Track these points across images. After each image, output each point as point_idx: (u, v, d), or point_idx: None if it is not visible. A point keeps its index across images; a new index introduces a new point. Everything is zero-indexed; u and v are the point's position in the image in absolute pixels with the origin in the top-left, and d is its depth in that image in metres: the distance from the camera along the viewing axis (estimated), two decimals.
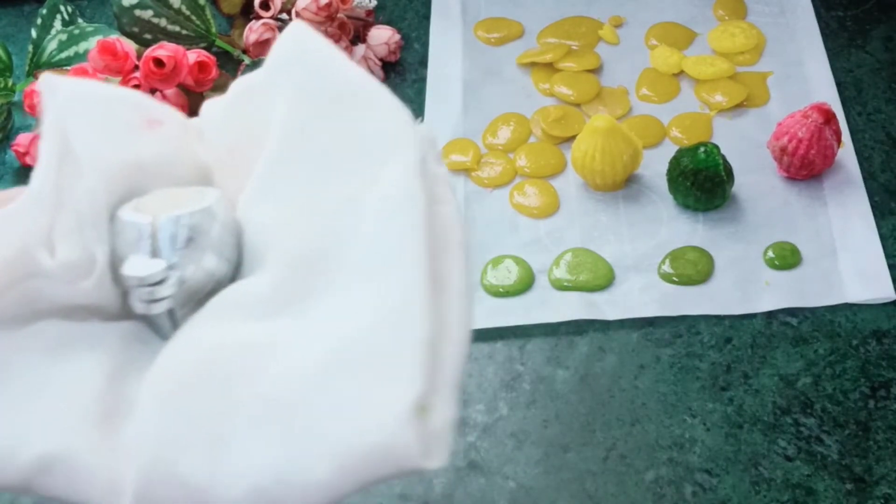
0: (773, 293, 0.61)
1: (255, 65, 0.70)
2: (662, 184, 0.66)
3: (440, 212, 0.33)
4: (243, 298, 0.34)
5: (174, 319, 0.34)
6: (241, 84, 0.38)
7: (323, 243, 0.33)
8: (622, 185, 0.67)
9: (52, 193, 0.34)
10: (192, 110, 0.70)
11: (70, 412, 0.32)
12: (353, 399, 0.30)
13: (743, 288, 0.61)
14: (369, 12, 0.76)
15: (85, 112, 0.36)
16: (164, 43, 0.67)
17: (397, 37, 0.74)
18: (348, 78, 0.36)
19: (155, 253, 0.34)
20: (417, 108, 0.72)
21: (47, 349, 0.34)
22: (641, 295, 0.61)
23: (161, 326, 0.35)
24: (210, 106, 0.39)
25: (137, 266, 0.34)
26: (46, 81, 0.36)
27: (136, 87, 0.67)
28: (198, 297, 0.35)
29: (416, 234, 0.32)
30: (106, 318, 0.35)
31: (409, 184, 0.33)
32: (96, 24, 0.75)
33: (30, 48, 0.74)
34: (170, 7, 0.71)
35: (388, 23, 0.77)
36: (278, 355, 0.32)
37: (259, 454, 0.30)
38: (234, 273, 0.36)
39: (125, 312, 0.35)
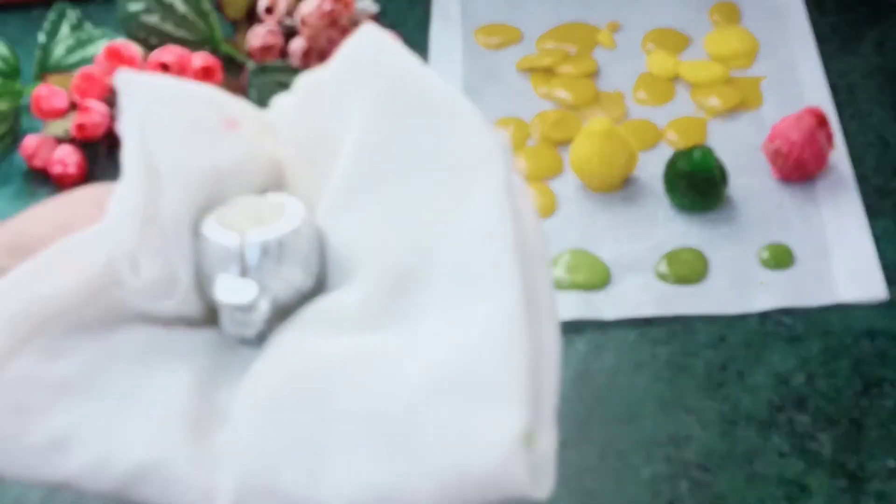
0: (767, 293, 0.61)
1: (260, 69, 0.71)
2: (659, 186, 0.66)
3: (524, 226, 0.33)
4: (335, 312, 0.33)
5: (262, 329, 0.34)
6: (310, 80, 0.37)
7: (414, 259, 0.33)
8: (619, 187, 0.67)
9: (139, 210, 0.33)
10: None
11: (163, 420, 0.32)
12: (460, 422, 0.29)
13: (738, 288, 0.61)
14: (373, 17, 0.77)
15: (164, 117, 0.35)
16: (170, 47, 0.68)
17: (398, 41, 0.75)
18: (430, 87, 0.35)
19: (244, 272, 0.33)
20: None
21: (138, 356, 0.33)
22: (638, 295, 0.62)
23: (253, 337, 0.34)
24: (281, 101, 0.38)
25: (230, 291, 0.33)
26: (123, 79, 0.35)
27: None
28: (286, 311, 0.34)
29: (512, 255, 0.31)
30: (192, 325, 0.35)
31: (500, 201, 0.32)
32: (103, 29, 0.75)
33: (37, 52, 0.74)
34: (175, 12, 0.71)
35: (389, 27, 0.77)
36: (377, 371, 0.31)
37: (360, 470, 0.30)
38: (318, 285, 0.35)
39: (210, 320, 0.35)
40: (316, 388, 0.31)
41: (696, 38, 0.75)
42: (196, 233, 0.34)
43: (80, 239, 0.34)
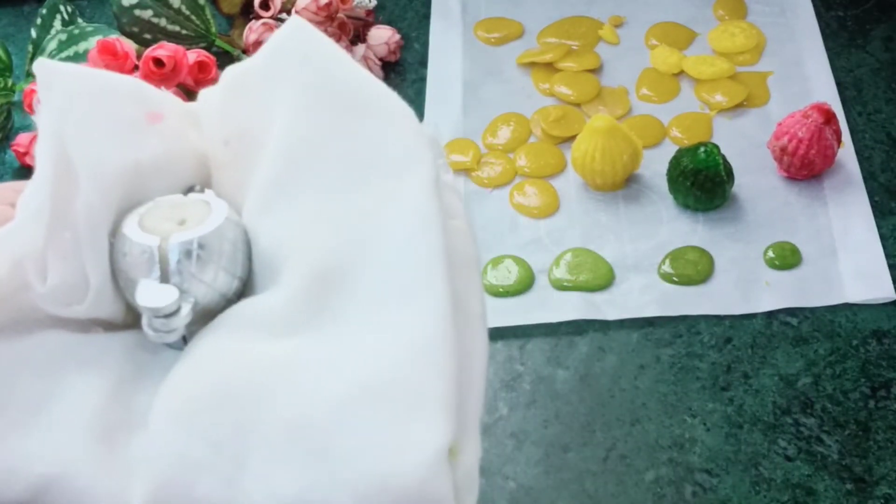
0: (773, 293, 0.61)
1: None
2: (662, 184, 0.66)
3: (453, 227, 0.32)
4: (259, 314, 0.33)
5: (185, 333, 0.33)
6: (235, 72, 0.37)
7: (340, 259, 0.32)
8: (622, 185, 0.67)
9: (48, 211, 0.32)
10: None
11: (72, 428, 0.31)
12: (382, 434, 0.29)
13: (743, 288, 0.61)
14: (369, 12, 0.76)
15: (83, 111, 0.34)
16: (164, 43, 0.67)
17: (397, 37, 0.74)
18: (358, 83, 0.34)
19: (165, 276, 0.33)
20: (417, 108, 0.72)
21: (48, 363, 0.33)
22: (641, 295, 0.61)
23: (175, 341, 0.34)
24: (207, 94, 0.38)
25: (150, 295, 0.32)
26: (43, 68, 0.34)
27: None
28: (208, 315, 0.34)
29: (439, 258, 0.31)
30: (110, 328, 0.34)
31: (427, 201, 0.32)
32: (96, 24, 0.75)
33: (29, 48, 0.74)
34: (169, 7, 0.71)
35: (388, 23, 0.77)
36: (299, 377, 0.31)
37: (280, 480, 0.29)
38: (244, 287, 0.35)
39: (130, 322, 0.34)
40: (235, 394, 0.31)
41: (701, 34, 0.75)
42: (116, 233, 0.34)
43: None
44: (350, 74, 0.34)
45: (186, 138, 0.36)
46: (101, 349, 0.33)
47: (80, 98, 0.34)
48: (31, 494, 0.31)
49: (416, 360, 0.30)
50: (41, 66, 0.35)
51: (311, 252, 0.33)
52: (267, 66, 0.36)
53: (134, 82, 0.36)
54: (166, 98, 0.37)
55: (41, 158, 0.33)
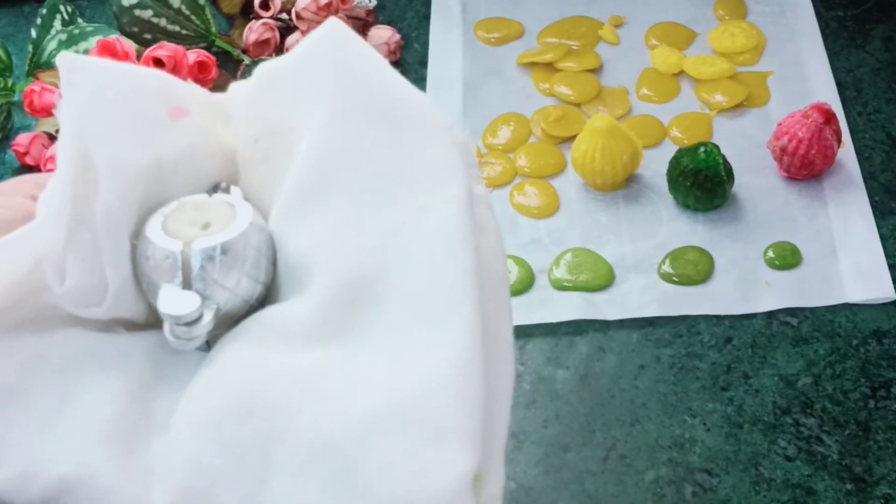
0: (773, 293, 0.61)
1: (256, 65, 0.70)
2: (662, 184, 0.66)
3: (484, 244, 0.32)
4: (285, 323, 0.32)
5: (208, 337, 0.33)
6: (268, 69, 0.36)
7: (371, 271, 0.31)
8: (622, 185, 0.66)
9: (69, 210, 0.32)
10: None
11: (91, 430, 0.31)
12: (407, 459, 0.29)
13: (743, 288, 0.61)
14: (369, 12, 0.76)
15: (104, 107, 0.33)
16: (164, 43, 0.67)
17: (397, 37, 0.74)
18: (396, 92, 0.33)
19: (187, 282, 0.32)
20: None
21: (68, 363, 0.32)
22: (641, 295, 0.61)
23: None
24: (237, 88, 0.37)
25: (172, 302, 0.32)
26: (66, 62, 0.33)
27: None
28: (231, 320, 0.33)
29: (469, 279, 0.30)
30: (132, 328, 0.34)
31: (460, 218, 0.31)
32: (96, 24, 0.75)
33: (29, 48, 0.74)
34: (169, 7, 0.71)
35: (388, 23, 0.77)
36: (324, 393, 0.30)
37: (301, 497, 0.29)
38: (268, 292, 0.34)
39: (153, 321, 0.34)
40: (260, 406, 0.30)
41: (701, 34, 0.75)
42: (139, 234, 0.33)
43: (9, 241, 0.32)
44: (387, 82, 0.34)
45: (213, 134, 0.35)
46: (123, 350, 0.33)
47: (102, 93, 0.33)
48: (50, 496, 0.31)
49: (444, 385, 0.29)
50: (64, 59, 0.34)
51: (340, 262, 0.32)
52: (301, 66, 0.35)
53: (159, 76, 0.35)
54: (193, 91, 0.36)
55: (62, 156, 0.33)
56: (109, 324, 0.33)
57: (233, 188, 0.35)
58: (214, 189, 0.35)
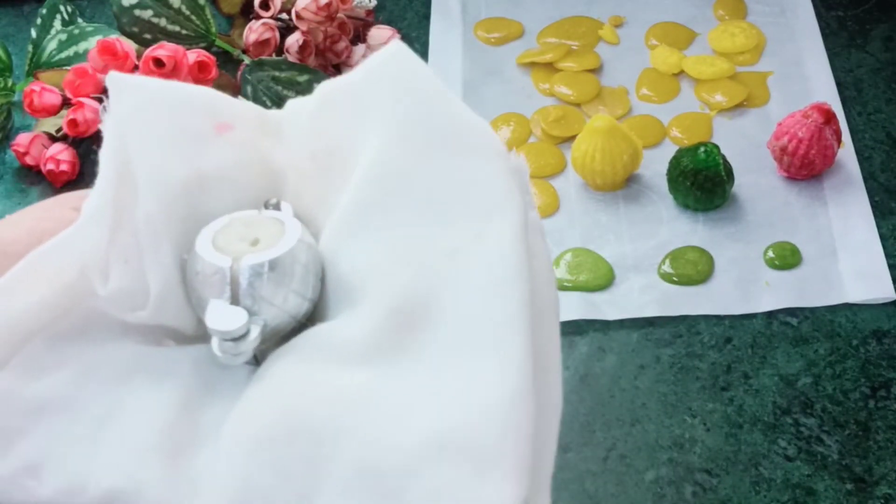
0: (773, 293, 0.61)
1: (256, 65, 0.70)
2: (662, 184, 0.66)
3: (536, 269, 0.31)
4: (336, 342, 0.32)
5: (256, 352, 0.33)
6: (331, 87, 0.36)
7: (424, 295, 0.31)
8: (622, 185, 0.66)
9: (110, 213, 0.32)
10: None
11: (140, 442, 0.31)
12: (455, 487, 0.28)
13: (743, 288, 0.61)
14: (369, 12, 0.76)
15: (149, 121, 0.34)
16: (164, 43, 0.67)
17: (397, 37, 0.74)
18: (454, 116, 0.33)
19: (235, 298, 0.32)
20: None
21: (119, 374, 0.32)
22: (641, 295, 0.61)
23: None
24: (295, 103, 0.37)
25: (220, 318, 0.32)
26: (114, 80, 0.34)
27: None
28: (279, 336, 0.33)
29: (523, 308, 0.30)
30: (181, 341, 0.34)
31: (515, 247, 0.31)
32: (96, 24, 0.75)
33: (29, 48, 0.74)
34: (169, 7, 0.71)
35: (388, 23, 0.77)
36: (374, 416, 0.30)
37: None
38: (316, 309, 0.34)
39: (202, 334, 0.34)
40: (309, 426, 0.30)
41: (701, 34, 0.75)
42: (190, 250, 0.33)
43: (54, 245, 0.33)
44: (448, 106, 0.34)
45: (259, 150, 0.36)
46: (172, 362, 0.33)
47: (146, 107, 0.34)
48: None
49: (494, 415, 0.29)
50: (113, 78, 0.34)
51: (393, 283, 0.32)
52: (364, 87, 0.35)
53: (204, 92, 0.36)
54: (239, 107, 0.36)
55: (104, 163, 0.33)
56: (158, 336, 0.33)
57: (283, 205, 0.35)
58: (265, 206, 0.35)
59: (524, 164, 0.33)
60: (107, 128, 0.34)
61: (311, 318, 0.34)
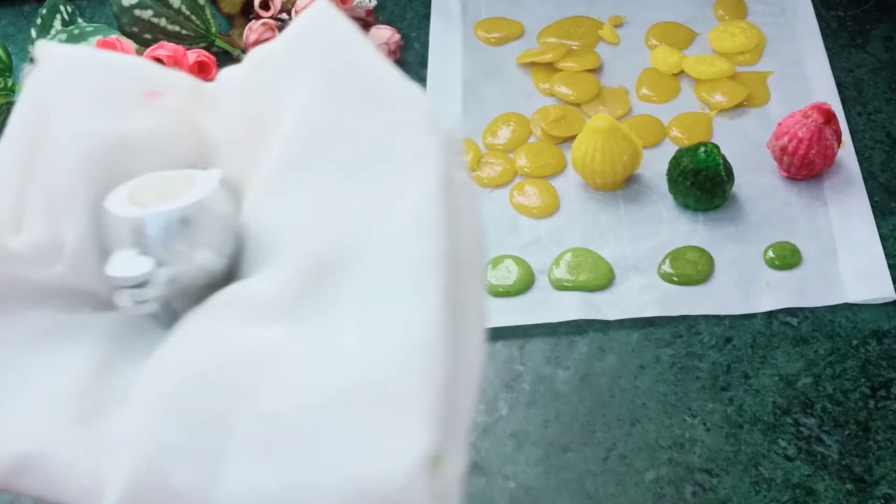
0: (773, 293, 0.61)
1: None
2: (662, 184, 0.66)
3: (461, 228, 0.32)
4: (249, 299, 0.32)
5: (172, 310, 0.33)
6: (259, 53, 0.36)
7: (341, 250, 0.32)
8: (622, 185, 0.66)
9: (18, 166, 0.32)
10: None
11: (51, 407, 0.31)
12: (365, 438, 0.29)
13: (743, 288, 0.61)
14: (369, 12, 0.76)
15: (74, 83, 0.34)
16: (164, 43, 0.67)
17: (397, 37, 0.74)
18: (377, 72, 0.34)
19: (143, 249, 0.32)
20: None
21: (31, 340, 0.33)
22: (641, 295, 0.61)
23: (159, 317, 0.33)
24: (228, 73, 0.37)
25: (122, 265, 0.32)
26: (41, 48, 0.35)
27: None
28: (192, 291, 0.33)
29: (437, 262, 0.30)
30: (99, 307, 0.34)
31: (432, 201, 0.31)
32: (96, 24, 0.75)
33: (30, 48, 0.74)
34: (169, 7, 0.71)
35: (388, 23, 0.77)
36: (284, 371, 0.30)
37: (256, 477, 0.29)
38: (233, 266, 0.34)
39: None
40: (220, 383, 0.30)
41: (701, 34, 0.75)
42: (100, 206, 0.33)
43: None
44: (370, 63, 0.34)
45: (189, 117, 0.36)
46: (87, 328, 0.33)
47: (71, 71, 0.34)
48: (10, 472, 0.31)
49: (404, 366, 0.29)
50: (41, 47, 0.35)
51: (309, 240, 0.32)
52: (289, 49, 0.35)
53: (134, 60, 0.36)
54: (170, 77, 0.36)
55: (14, 120, 0.33)
56: (76, 303, 0.33)
57: (212, 170, 0.35)
58: (192, 169, 0.35)
59: (453, 128, 0.33)
60: (25, 88, 0.34)
61: (231, 277, 0.34)
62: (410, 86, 0.34)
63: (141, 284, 0.32)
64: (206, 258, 0.33)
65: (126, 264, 0.32)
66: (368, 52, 0.34)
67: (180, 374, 0.31)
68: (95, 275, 0.33)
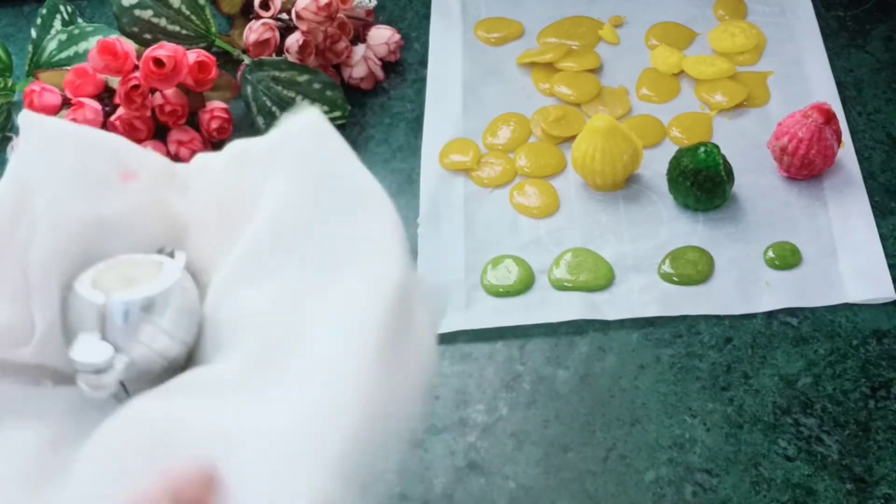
0: (773, 293, 0.61)
1: (255, 65, 0.70)
2: (662, 184, 0.66)
3: (412, 325, 0.34)
4: (196, 381, 0.33)
5: (127, 390, 0.34)
6: (240, 146, 0.38)
7: (292, 343, 0.33)
8: (622, 185, 0.66)
9: None
10: (192, 109, 0.70)
11: (4, 479, 0.32)
12: (274, 486, 0.31)
13: (743, 288, 0.61)
14: (369, 12, 0.76)
15: (53, 162, 0.35)
16: (164, 43, 0.67)
17: (397, 37, 0.74)
18: (354, 181, 0.36)
19: (104, 334, 0.33)
20: (417, 108, 0.72)
21: None
22: (641, 295, 0.61)
23: (118, 395, 0.34)
24: (204, 158, 0.39)
25: (84, 350, 0.33)
26: (25, 119, 0.35)
27: (136, 87, 0.67)
28: (151, 376, 0.34)
29: (371, 358, 0.32)
30: (60, 381, 0.35)
31: (382, 307, 0.33)
32: (96, 24, 0.75)
33: (29, 48, 0.74)
34: (170, 7, 0.71)
35: (388, 22, 0.77)
36: (208, 431, 0.32)
37: None
38: (192, 352, 0.35)
39: None
40: (143, 444, 0.31)
41: (701, 34, 0.75)
42: (69, 286, 0.34)
43: None
44: (349, 171, 0.36)
45: (160, 199, 0.37)
46: (46, 402, 0.34)
47: (53, 150, 0.35)
48: None
49: (309, 430, 0.31)
50: (24, 116, 0.36)
51: (266, 331, 0.34)
52: (273, 147, 0.37)
53: (113, 139, 0.37)
54: (145, 157, 0.38)
55: None
56: (37, 376, 0.34)
57: (178, 253, 0.36)
58: (160, 253, 0.36)
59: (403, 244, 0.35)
60: (10, 163, 0.35)
61: (191, 363, 0.35)
62: (383, 196, 0.36)
63: (100, 371, 0.33)
64: (166, 345, 0.34)
65: (87, 350, 0.33)
66: (349, 160, 0.36)
67: (112, 437, 0.32)
68: (60, 355, 0.34)
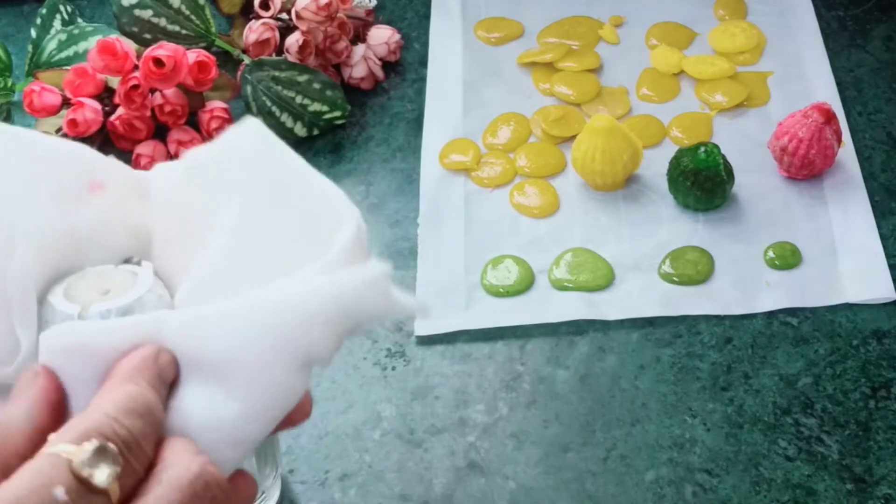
0: (773, 293, 0.61)
1: (255, 64, 0.70)
2: (663, 184, 0.66)
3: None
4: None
5: None
6: (196, 157, 0.38)
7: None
8: (622, 185, 0.66)
9: None
10: (192, 109, 0.70)
11: None
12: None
13: (743, 288, 0.61)
14: (369, 12, 0.76)
15: (23, 175, 0.35)
16: (164, 43, 0.67)
17: (397, 36, 0.74)
18: (305, 182, 0.36)
19: None
20: (417, 108, 0.72)
21: None
22: (641, 295, 0.61)
23: None
24: (164, 169, 0.39)
25: None
26: None
27: (136, 87, 0.67)
28: None
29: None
30: None
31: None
32: (96, 24, 0.75)
33: (29, 48, 0.74)
34: (169, 7, 0.71)
35: (388, 22, 0.77)
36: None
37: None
38: None
39: None
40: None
41: (701, 34, 0.75)
42: (43, 300, 0.34)
43: None
44: (298, 173, 0.37)
45: (126, 209, 0.37)
46: None
47: (24, 163, 0.35)
48: None
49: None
50: None
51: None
52: (222, 157, 0.37)
53: (79, 150, 0.37)
54: (111, 167, 0.38)
55: None
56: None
57: (144, 263, 0.37)
58: (126, 263, 0.36)
59: (362, 229, 0.36)
60: None
61: None
62: (337, 193, 0.36)
63: None
64: None
65: None
66: (296, 161, 0.37)
67: None
68: None
